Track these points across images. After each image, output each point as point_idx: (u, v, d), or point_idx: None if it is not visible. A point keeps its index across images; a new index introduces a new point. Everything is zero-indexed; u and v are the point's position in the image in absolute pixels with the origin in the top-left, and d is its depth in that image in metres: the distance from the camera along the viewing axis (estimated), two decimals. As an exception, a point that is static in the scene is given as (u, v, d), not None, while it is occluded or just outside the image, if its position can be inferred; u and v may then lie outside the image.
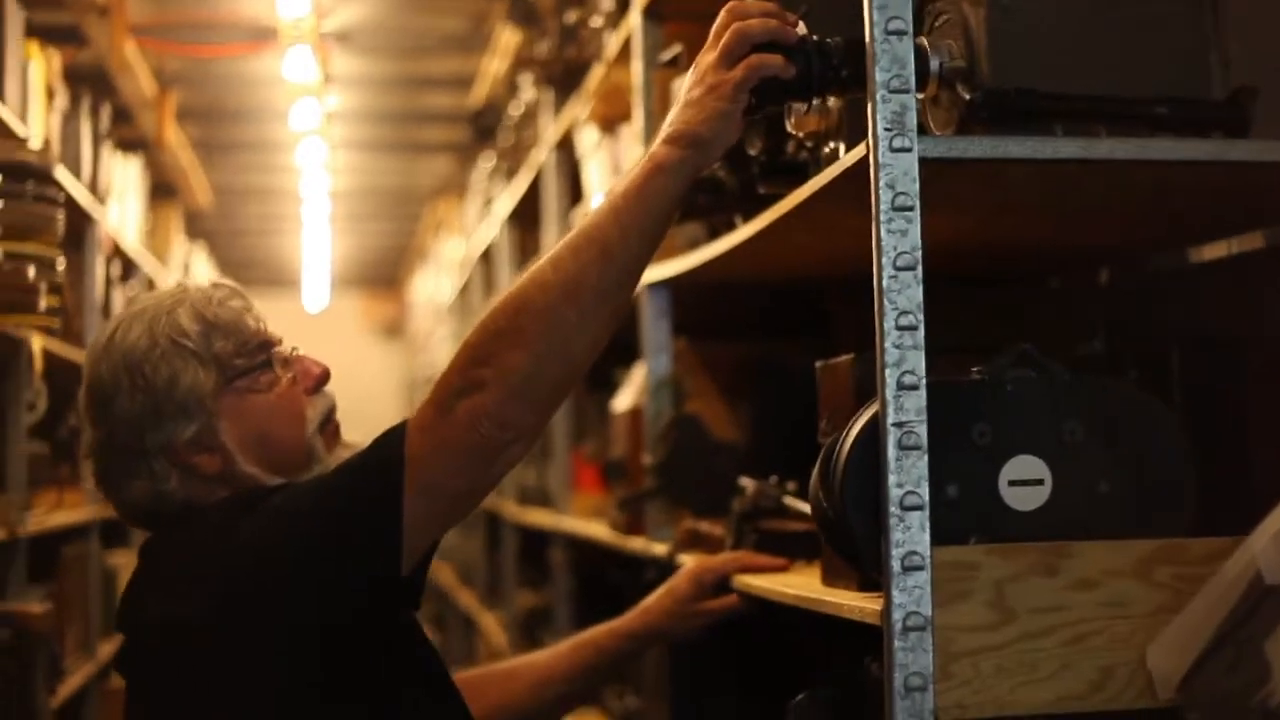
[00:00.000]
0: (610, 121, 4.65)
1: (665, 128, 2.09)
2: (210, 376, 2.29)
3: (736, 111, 2.04)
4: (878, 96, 1.87)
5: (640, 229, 2.08)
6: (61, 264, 4.50)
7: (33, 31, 4.94)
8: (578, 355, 2.12)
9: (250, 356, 2.33)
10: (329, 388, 2.41)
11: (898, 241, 1.85)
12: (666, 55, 3.51)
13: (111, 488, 2.34)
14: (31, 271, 4.18)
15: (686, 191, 2.09)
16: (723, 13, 2.06)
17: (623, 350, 3.70)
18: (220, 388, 2.29)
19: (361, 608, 2.17)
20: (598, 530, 4.10)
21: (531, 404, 2.11)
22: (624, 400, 4.01)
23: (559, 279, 2.07)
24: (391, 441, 2.14)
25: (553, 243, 5.39)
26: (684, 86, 2.10)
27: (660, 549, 3.22)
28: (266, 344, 2.36)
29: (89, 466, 2.37)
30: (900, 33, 1.89)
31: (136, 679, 2.32)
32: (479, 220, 8.60)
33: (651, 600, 2.78)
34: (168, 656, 2.21)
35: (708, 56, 2.05)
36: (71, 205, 5.06)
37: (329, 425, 2.39)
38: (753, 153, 2.64)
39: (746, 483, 2.78)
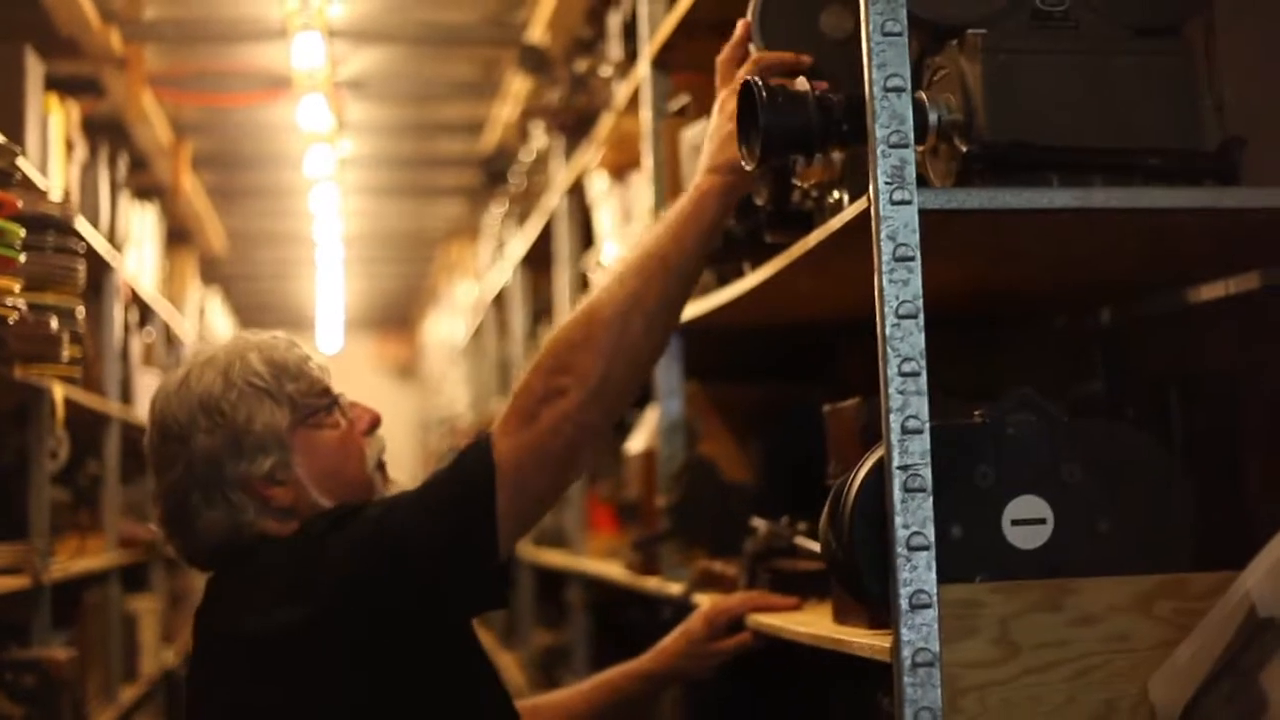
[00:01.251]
0: (620, 169, 4.71)
1: (704, 160, 2.37)
2: (284, 414, 2.43)
3: None
4: (878, 151, 1.94)
5: (695, 246, 2.34)
6: (82, 313, 4.56)
7: (52, 84, 5.02)
8: (645, 360, 2.39)
9: (318, 397, 2.48)
10: (380, 432, 2.56)
11: (899, 291, 1.91)
12: (675, 105, 3.58)
13: (185, 523, 2.45)
14: (54, 322, 4.23)
15: (731, 210, 2.39)
16: (750, 63, 2.36)
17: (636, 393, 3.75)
18: (294, 425, 2.44)
19: (458, 606, 2.36)
20: (614, 570, 4.15)
21: (606, 407, 2.34)
22: (638, 442, 4.06)
23: (626, 292, 2.32)
24: (479, 452, 2.32)
25: (564, 286, 5.52)
26: (711, 125, 2.39)
27: (675, 589, 3.27)
28: (328, 388, 2.51)
29: (157, 509, 2.49)
30: (899, 89, 1.95)
31: (232, 689, 2.38)
32: (491, 263, 8.67)
33: (667, 642, 2.86)
34: (274, 660, 2.32)
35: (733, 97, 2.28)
36: (90, 254, 5.13)
37: (382, 468, 2.55)
38: (759, 202, 2.71)
39: (758, 523, 2.83)
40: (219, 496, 2.41)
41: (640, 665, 2.88)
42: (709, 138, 2.39)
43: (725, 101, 2.36)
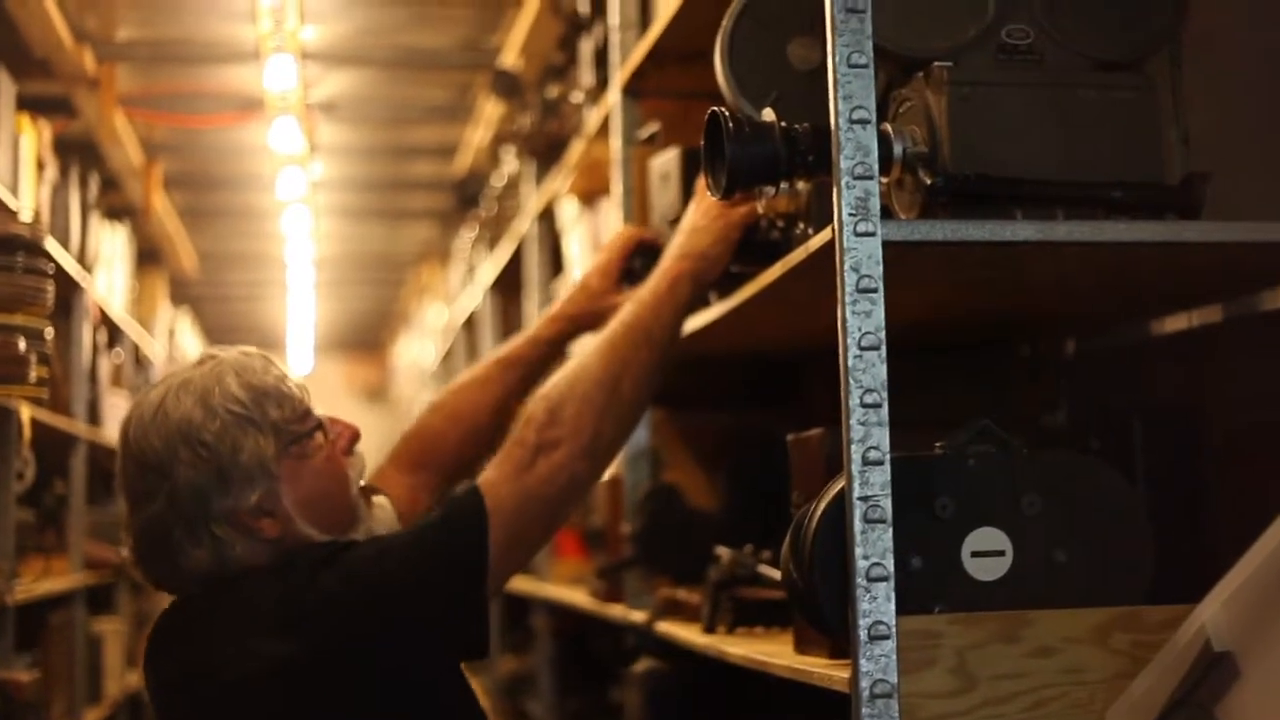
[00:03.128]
0: (590, 195, 4.73)
1: (679, 248, 2.60)
2: (269, 443, 2.36)
3: (736, 239, 2.58)
4: (842, 183, 1.94)
5: (672, 321, 2.58)
6: (51, 334, 4.55)
7: (23, 104, 5.01)
8: (630, 420, 2.59)
9: (301, 422, 2.41)
10: (359, 447, 2.52)
11: (862, 322, 1.92)
12: (645, 132, 3.59)
13: (165, 557, 2.37)
14: (22, 343, 4.23)
15: (700, 292, 2.63)
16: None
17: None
18: (279, 454, 2.37)
19: (442, 651, 2.36)
20: (578, 597, 4.15)
21: (596, 461, 2.51)
22: (604, 469, 4.06)
23: (617, 357, 2.51)
24: (472, 499, 2.39)
25: (534, 312, 5.52)
26: (686, 220, 2.64)
27: (639, 616, 3.28)
28: (309, 410, 2.45)
29: (131, 539, 2.40)
30: (864, 121, 1.96)
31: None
32: (462, 287, 8.67)
33: (565, 302, 3.01)
34: (252, 700, 2.29)
35: (710, 199, 2.42)
36: (60, 275, 5.12)
37: (363, 485, 2.51)
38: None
39: (722, 552, 2.83)
40: (204, 532, 2.34)
41: (542, 331, 3.00)
42: (682, 230, 2.62)
43: (706, 198, 2.56)
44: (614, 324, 2.56)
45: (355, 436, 2.51)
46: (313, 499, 2.39)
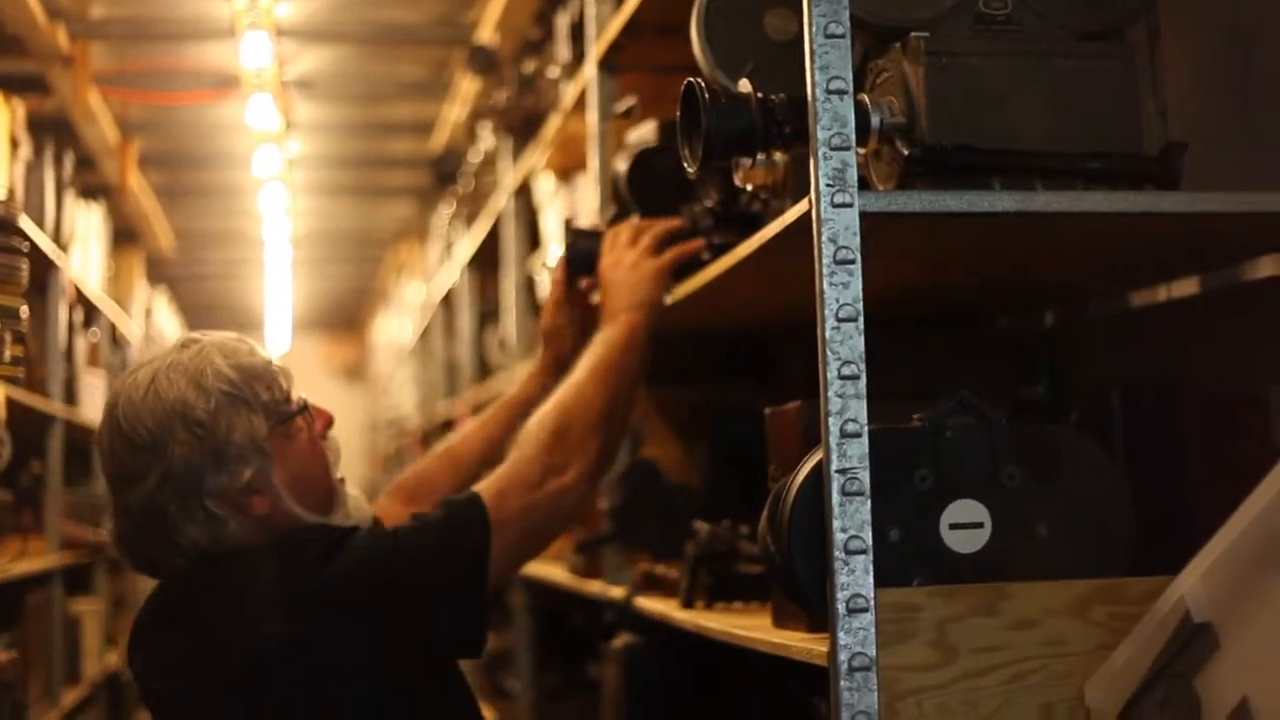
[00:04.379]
0: (566, 170, 4.71)
1: (625, 301, 2.79)
2: (261, 422, 2.41)
3: (665, 279, 2.82)
4: (819, 153, 1.93)
5: (639, 362, 2.78)
6: (25, 313, 4.52)
7: (-3, 83, 4.99)
8: (618, 445, 2.84)
9: (287, 403, 2.47)
10: (333, 433, 2.57)
11: (839, 294, 1.91)
12: (621, 107, 3.57)
13: (159, 535, 2.39)
14: (-5, 322, 4.20)
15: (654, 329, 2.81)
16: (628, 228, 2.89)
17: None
18: (270, 433, 2.41)
19: (437, 648, 2.43)
20: (556, 573, 4.14)
21: (595, 480, 2.70)
22: (583, 445, 4.05)
23: (606, 386, 2.68)
24: (473, 506, 2.47)
25: (511, 288, 5.51)
26: (614, 271, 2.84)
27: (617, 592, 3.27)
28: (290, 392, 2.50)
29: (120, 520, 2.43)
30: (841, 92, 1.95)
31: (212, 703, 2.38)
32: (440, 264, 8.65)
33: (543, 352, 3.15)
34: (251, 682, 2.32)
35: (630, 253, 2.84)
36: (35, 253, 5.09)
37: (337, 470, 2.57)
38: (709, 204, 2.71)
39: (700, 526, 2.83)
40: (198, 509, 2.37)
41: (533, 375, 3.14)
42: (611, 283, 2.82)
43: (625, 253, 2.84)
44: (595, 359, 2.71)
45: (329, 421, 2.56)
46: (299, 478, 2.44)
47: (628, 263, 2.83)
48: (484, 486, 2.51)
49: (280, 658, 2.30)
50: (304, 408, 2.49)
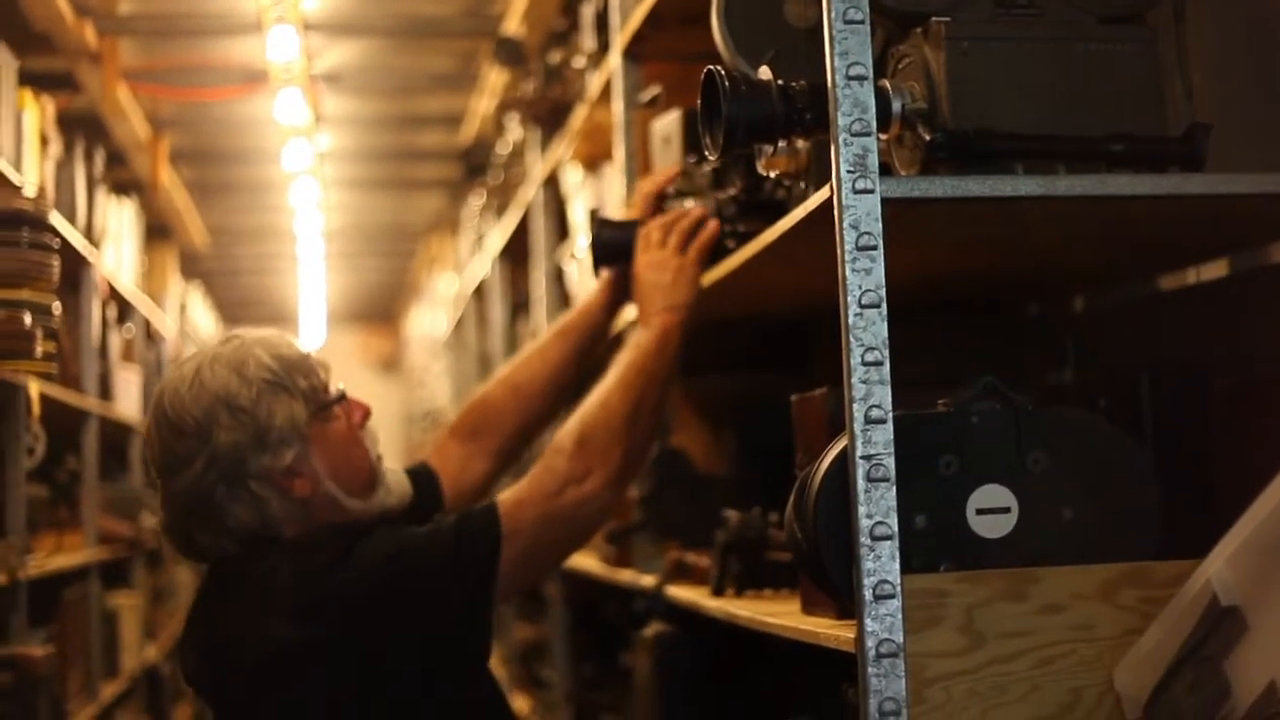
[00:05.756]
0: (593, 160, 4.71)
1: (656, 304, 2.80)
2: (301, 408, 2.55)
3: (698, 276, 2.81)
4: (840, 140, 1.93)
5: (674, 361, 2.79)
6: (58, 309, 4.55)
7: (26, 80, 5.00)
8: (646, 452, 2.83)
9: (326, 392, 2.60)
10: (371, 424, 2.69)
11: (862, 280, 1.90)
12: (646, 96, 3.57)
13: (209, 518, 2.54)
14: (28, 318, 4.22)
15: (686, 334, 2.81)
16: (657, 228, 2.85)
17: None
18: (310, 418, 2.56)
19: (443, 654, 2.50)
20: (589, 563, 4.15)
21: (621, 488, 2.73)
22: (612, 435, 4.04)
23: (636, 394, 2.70)
24: (487, 517, 2.54)
25: (541, 279, 5.51)
26: (651, 275, 2.83)
27: (648, 580, 3.27)
28: (328, 382, 2.63)
29: (169, 506, 2.58)
30: (861, 78, 1.94)
31: (233, 695, 2.53)
32: (471, 256, 8.66)
33: (601, 285, 3.12)
34: (263, 681, 2.46)
35: (658, 253, 2.82)
36: (67, 250, 5.11)
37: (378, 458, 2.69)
38: (732, 192, 2.71)
39: (730, 514, 2.83)
40: (243, 489, 2.51)
41: (591, 301, 3.14)
42: (653, 284, 2.81)
43: (655, 253, 2.83)
44: (624, 365, 2.74)
45: (367, 413, 2.68)
46: (338, 461, 2.58)
47: (658, 263, 2.82)
48: (504, 495, 2.58)
49: (288, 658, 2.41)
50: (342, 396, 2.62)
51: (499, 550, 2.50)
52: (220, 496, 2.52)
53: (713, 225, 2.79)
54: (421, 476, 2.93)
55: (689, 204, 2.90)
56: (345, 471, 2.60)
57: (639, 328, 2.82)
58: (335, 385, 2.64)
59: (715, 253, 2.77)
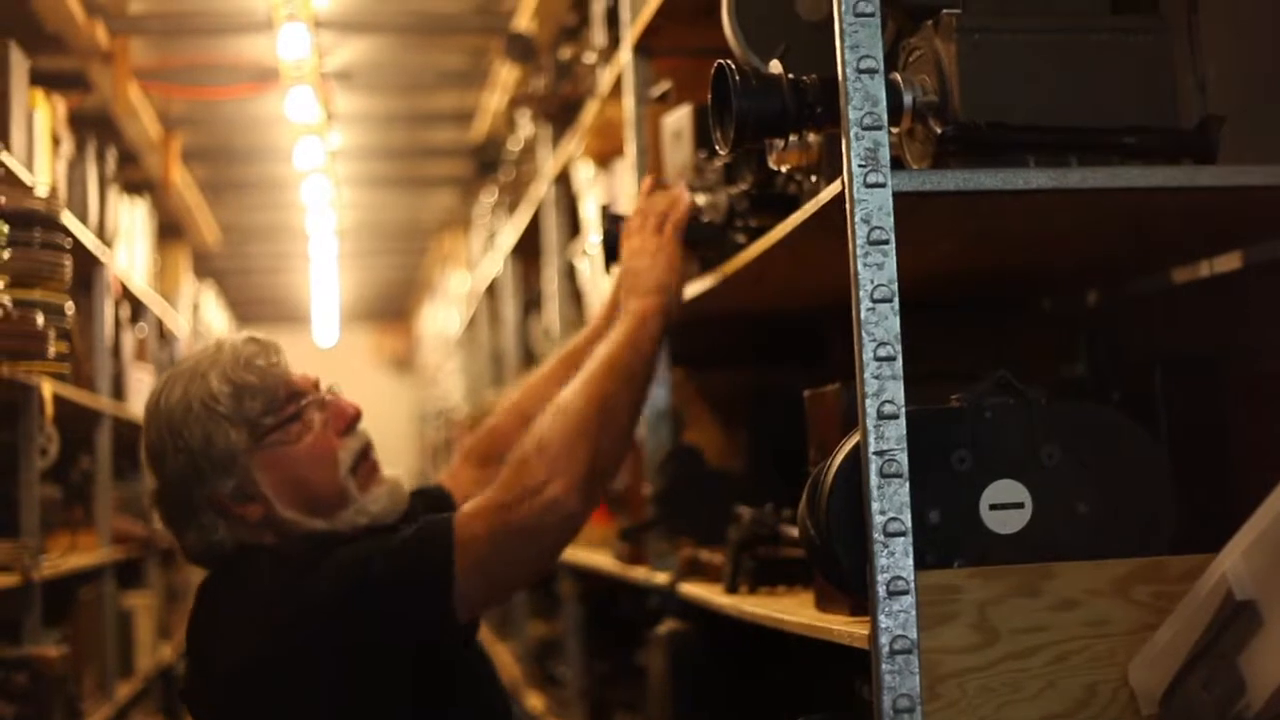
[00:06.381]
0: (604, 156, 4.70)
1: (636, 288, 2.69)
2: (241, 435, 2.49)
3: (679, 258, 2.73)
4: (851, 134, 1.92)
5: (651, 354, 2.65)
6: (70, 309, 4.55)
7: (37, 79, 5.00)
8: (619, 453, 2.63)
9: (278, 413, 2.52)
10: (362, 426, 2.61)
11: (874, 275, 1.89)
12: (657, 91, 3.56)
13: (173, 533, 2.59)
14: (40, 318, 4.22)
15: (672, 321, 2.70)
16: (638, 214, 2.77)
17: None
18: (252, 445, 2.50)
19: (414, 664, 2.42)
20: (603, 561, 4.14)
21: (588, 496, 2.52)
22: (625, 431, 4.04)
23: (603, 393, 2.55)
24: (441, 530, 2.44)
25: (553, 276, 5.50)
26: (629, 261, 2.75)
27: (662, 578, 3.26)
28: (296, 395, 2.55)
29: (157, 511, 2.62)
30: (872, 71, 1.93)
31: (208, 712, 2.52)
32: (483, 253, 8.65)
33: (613, 291, 3.04)
34: (235, 694, 2.42)
35: (637, 239, 2.74)
36: (79, 250, 5.11)
37: (365, 463, 2.59)
38: (744, 187, 2.69)
39: (743, 511, 2.82)
40: (190, 516, 2.51)
41: (598, 324, 3.09)
42: (633, 271, 2.71)
43: (634, 238, 2.73)
44: (592, 363, 2.61)
45: (355, 417, 2.60)
46: (294, 484, 2.51)
47: (638, 248, 2.75)
48: (465, 506, 2.50)
49: (255, 675, 2.38)
50: (298, 414, 2.53)
51: (451, 560, 2.40)
52: (174, 518, 2.54)
53: (685, 199, 2.74)
54: (435, 497, 2.91)
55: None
56: (304, 493, 2.51)
57: (618, 320, 2.71)
58: (317, 391, 2.57)
59: (724, 249, 2.73)
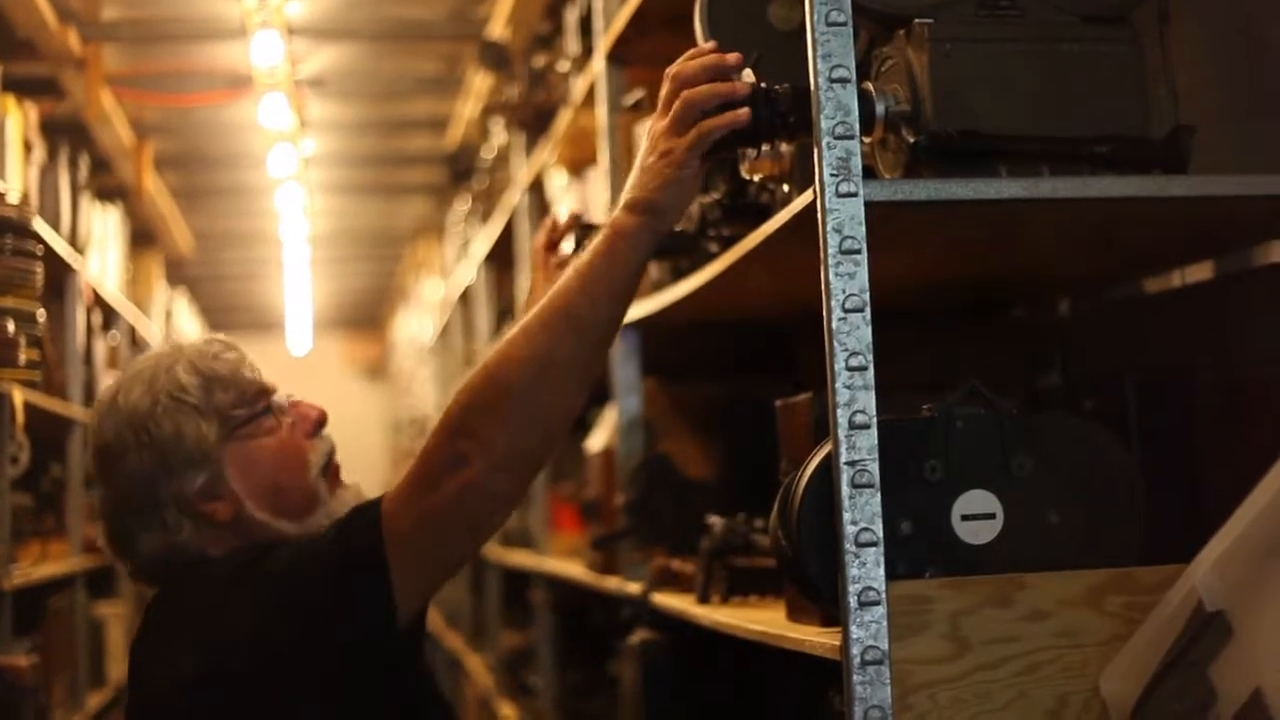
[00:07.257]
0: (578, 164, 4.70)
1: (624, 194, 2.14)
2: (213, 428, 2.36)
3: (690, 177, 2.09)
4: (823, 143, 1.92)
5: (608, 297, 2.13)
6: (42, 317, 4.53)
7: (9, 85, 4.98)
8: (555, 425, 2.19)
9: (250, 406, 2.40)
10: (327, 430, 2.48)
11: (846, 284, 1.89)
12: (630, 99, 3.56)
13: (126, 545, 2.40)
14: (11, 325, 4.20)
15: (649, 255, 2.16)
16: (667, 79, 2.12)
17: (596, 391, 3.73)
18: (223, 438, 2.36)
19: (357, 672, 2.22)
20: (575, 570, 4.13)
21: (515, 474, 2.18)
22: (597, 441, 4.04)
23: (533, 354, 2.12)
24: (366, 519, 2.20)
25: (526, 285, 5.49)
26: (640, 154, 2.16)
27: (634, 587, 3.26)
28: (264, 392, 2.43)
29: (100, 528, 2.43)
30: (844, 80, 1.93)
31: None
32: (457, 261, 8.64)
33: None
34: (169, 712, 2.27)
35: (659, 124, 2.11)
36: (51, 257, 5.08)
37: (330, 467, 2.45)
38: (716, 196, 2.69)
39: (715, 521, 2.81)
40: (154, 517, 2.35)
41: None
42: (635, 168, 2.15)
43: (654, 125, 2.15)
44: (537, 309, 2.16)
45: (321, 420, 2.46)
46: (265, 482, 2.38)
47: (646, 147, 2.14)
48: (390, 491, 2.24)
49: (194, 690, 2.22)
50: (266, 409, 2.41)
51: (384, 558, 2.16)
52: (131, 523, 2.36)
53: (740, 113, 2.06)
54: None
55: None
56: (273, 493, 2.37)
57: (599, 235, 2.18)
58: (278, 394, 2.44)
59: (696, 258, 2.69)
